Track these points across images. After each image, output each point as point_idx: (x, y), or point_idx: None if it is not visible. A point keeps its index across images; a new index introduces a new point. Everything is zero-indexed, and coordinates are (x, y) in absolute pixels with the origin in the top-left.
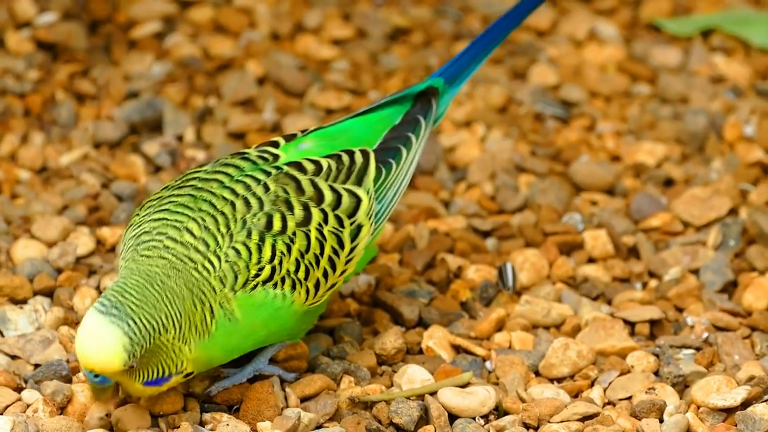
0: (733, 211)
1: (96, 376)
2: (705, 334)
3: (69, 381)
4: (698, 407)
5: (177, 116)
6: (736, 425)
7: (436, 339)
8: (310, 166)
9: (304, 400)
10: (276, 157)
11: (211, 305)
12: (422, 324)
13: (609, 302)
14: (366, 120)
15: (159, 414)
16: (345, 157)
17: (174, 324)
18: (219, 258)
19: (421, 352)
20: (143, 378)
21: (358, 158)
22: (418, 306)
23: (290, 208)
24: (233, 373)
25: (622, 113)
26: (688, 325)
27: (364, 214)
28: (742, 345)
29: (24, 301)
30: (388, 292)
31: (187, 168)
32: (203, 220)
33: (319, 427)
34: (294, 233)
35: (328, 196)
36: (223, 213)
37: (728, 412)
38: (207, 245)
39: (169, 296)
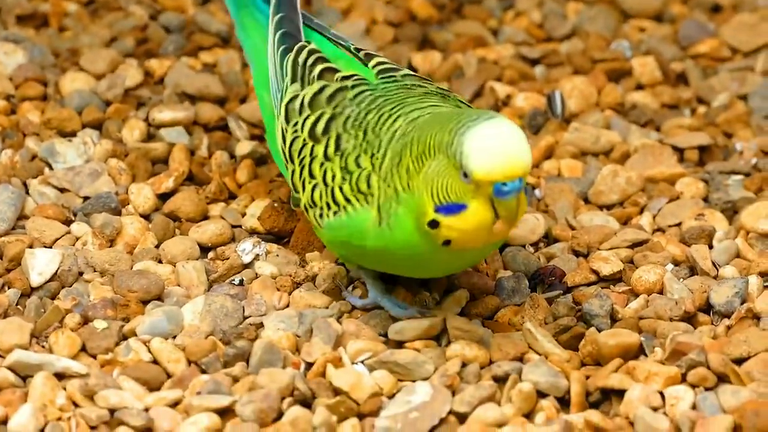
0: None
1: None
2: (754, 160)
3: (118, 213)
4: (747, 233)
5: None
6: None
7: None
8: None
9: None
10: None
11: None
12: None
13: (658, 129)
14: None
15: (208, 246)
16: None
17: None
18: None
19: None
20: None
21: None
22: None
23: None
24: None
25: None
26: (737, 151)
27: None
28: None
29: (72, 134)
30: None
31: None
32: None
33: None
34: None
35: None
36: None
37: None
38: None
39: None
